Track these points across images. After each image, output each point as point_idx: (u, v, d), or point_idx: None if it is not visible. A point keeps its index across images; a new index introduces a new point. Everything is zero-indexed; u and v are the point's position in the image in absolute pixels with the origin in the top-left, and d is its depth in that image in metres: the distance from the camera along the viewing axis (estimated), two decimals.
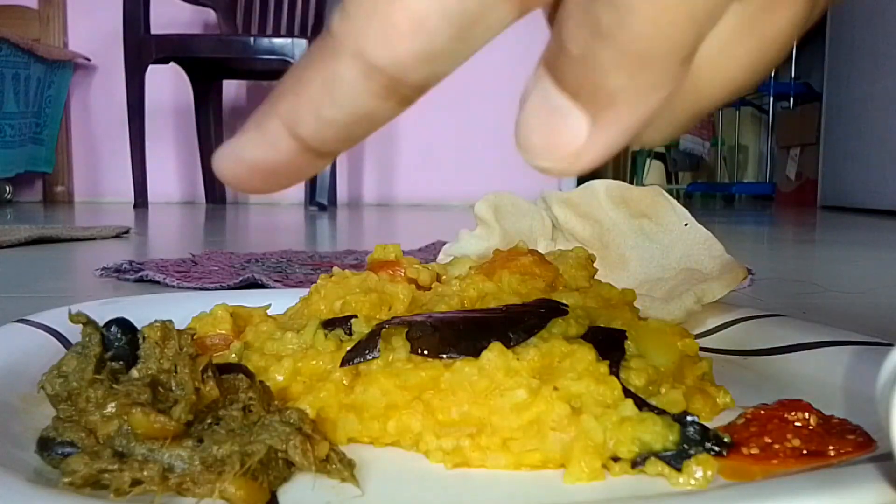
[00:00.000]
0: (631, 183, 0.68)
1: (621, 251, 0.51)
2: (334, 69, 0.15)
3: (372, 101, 0.15)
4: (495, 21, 0.14)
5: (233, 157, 0.16)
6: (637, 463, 0.26)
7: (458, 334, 0.30)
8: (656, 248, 0.50)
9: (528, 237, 0.52)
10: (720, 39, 0.15)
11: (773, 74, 3.96)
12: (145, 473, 0.23)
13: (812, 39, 3.74)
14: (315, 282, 0.41)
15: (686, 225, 0.50)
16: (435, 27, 0.14)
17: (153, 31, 2.30)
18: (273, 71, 2.54)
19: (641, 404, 0.28)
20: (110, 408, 0.25)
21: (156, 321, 0.28)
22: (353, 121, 0.15)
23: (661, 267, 0.49)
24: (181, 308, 0.43)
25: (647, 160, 5.04)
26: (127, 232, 1.39)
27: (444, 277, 0.42)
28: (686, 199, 4.24)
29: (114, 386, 0.26)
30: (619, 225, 0.51)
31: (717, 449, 0.26)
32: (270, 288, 0.69)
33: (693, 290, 0.43)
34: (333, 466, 0.26)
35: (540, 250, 0.44)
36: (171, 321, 0.29)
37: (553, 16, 0.15)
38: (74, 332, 0.31)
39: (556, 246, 0.52)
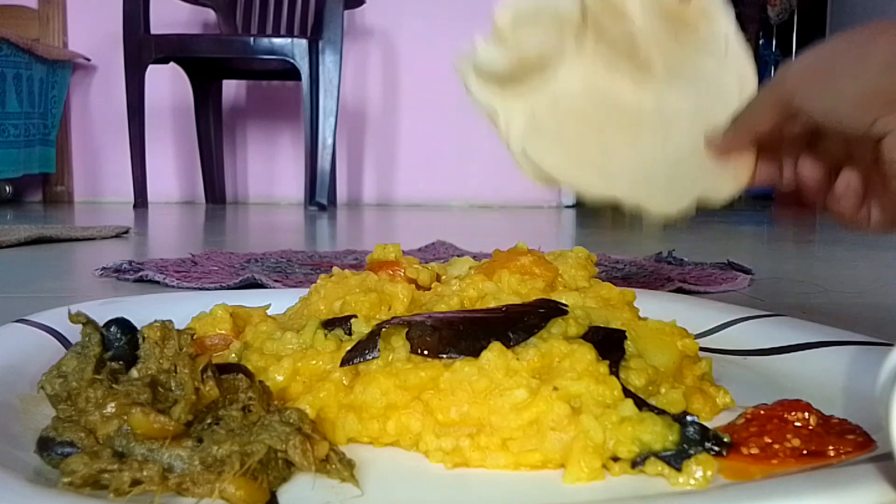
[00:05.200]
0: None
1: (650, 57, 0.44)
2: None
3: None
4: None
5: None
6: (637, 463, 0.26)
7: (457, 334, 0.30)
8: (688, 76, 0.43)
9: (541, 58, 0.45)
10: None
11: (772, 73, 3.96)
12: (145, 473, 0.23)
13: (812, 39, 3.74)
14: (315, 282, 0.41)
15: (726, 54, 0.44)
16: None
17: (153, 31, 2.30)
18: (273, 71, 2.54)
19: (641, 404, 0.28)
20: (110, 408, 0.25)
21: (156, 321, 0.29)
22: None
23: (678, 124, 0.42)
24: (181, 308, 0.43)
25: None
26: (127, 232, 1.38)
27: (443, 277, 0.42)
28: None
29: (113, 386, 0.26)
30: (655, 30, 0.44)
31: (716, 449, 0.26)
32: (270, 288, 0.69)
33: (696, 188, 0.39)
34: (333, 466, 0.26)
35: (555, 70, 0.42)
36: (171, 321, 0.29)
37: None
38: (74, 332, 0.31)
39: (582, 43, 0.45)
